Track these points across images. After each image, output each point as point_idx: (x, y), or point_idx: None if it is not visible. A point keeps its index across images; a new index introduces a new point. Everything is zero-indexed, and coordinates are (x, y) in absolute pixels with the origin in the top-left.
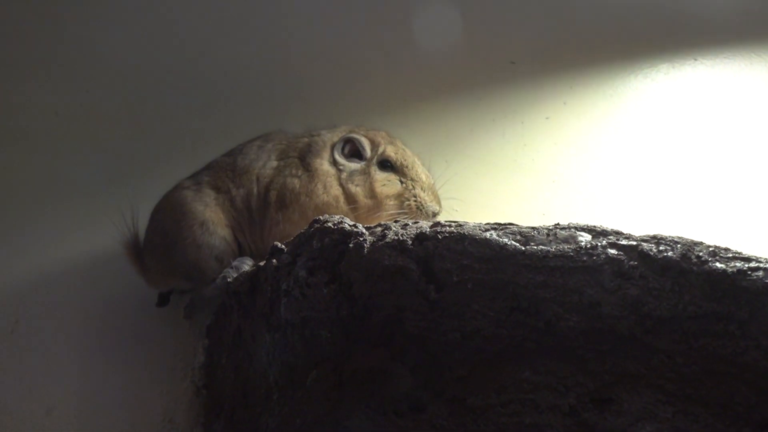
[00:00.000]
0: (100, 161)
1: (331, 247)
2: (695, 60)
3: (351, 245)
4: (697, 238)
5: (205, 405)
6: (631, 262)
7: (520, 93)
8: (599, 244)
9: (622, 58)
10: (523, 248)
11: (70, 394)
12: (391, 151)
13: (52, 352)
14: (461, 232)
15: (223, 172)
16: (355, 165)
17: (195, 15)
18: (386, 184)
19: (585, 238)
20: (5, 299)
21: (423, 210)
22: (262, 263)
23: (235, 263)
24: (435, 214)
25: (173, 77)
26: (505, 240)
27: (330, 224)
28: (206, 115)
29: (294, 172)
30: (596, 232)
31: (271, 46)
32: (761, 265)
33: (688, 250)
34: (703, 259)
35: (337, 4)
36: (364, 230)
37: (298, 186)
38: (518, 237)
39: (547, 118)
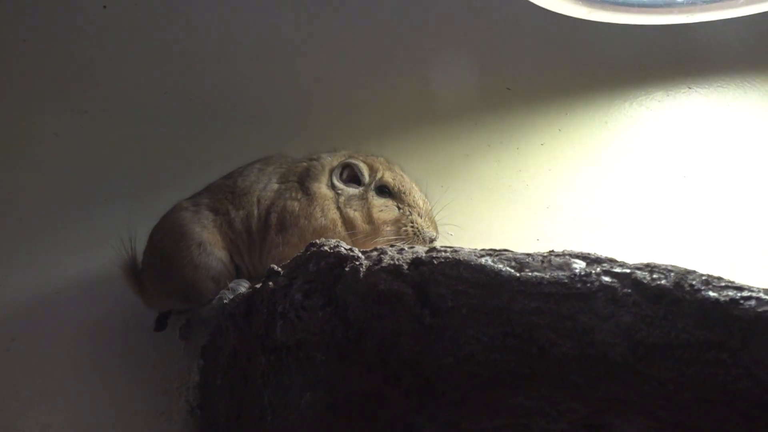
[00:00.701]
0: (98, 182)
1: (327, 271)
2: (689, 88)
3: (347, 269)
4: (690, 266)
5: (199, 425)
6: (625, 290)
7: (515, 119)
8: (593, 271)
9: (616, 85)
10: (518, 275)
11: (65, 412)
12: (389, 177)
13: (48, 371)
14: (456, 257)
15: (222, 194)
16: (353, 190)
17: (194, 38)
18: (384, 209)
19: (579, 265)
20: (2, 318)
21: (420, 236)
22: (258, 285)
23: (231, 285)
24: (432, 240)
25: (172, 99)
26: (500, 266)
27: (326, 248)
28: (205, 137)
29: (294, 195)
30: (590, 260)
31: (270, 69)
32: (753, 294)
33: (681, 279)
34: (696, 287)
35: (335, 31)
36: (360, 254)
37: (297, 209)
38: (513, 263)
39: (542, 144)
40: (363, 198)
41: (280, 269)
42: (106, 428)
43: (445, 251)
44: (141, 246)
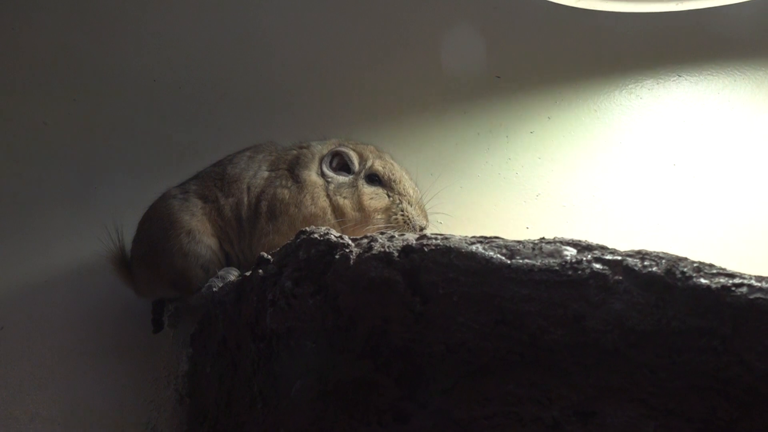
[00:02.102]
0: (88, 171)
1: (317, 258)
2: (679, 76)
3: (337, 256)
4: (681, 254)
5: (188, 413)
6: (616, 277)
7: (505, 107)
8: (584, 258)
9: (606, 73)
10: (509, 262)
11: (54, 401)
12: (379, 165)
13: (37, 360)
14: (447, 245)
15: (211, 182)
16: (343, 178)
17: (184, 26)
18: (374, 197)
19: (570, 252)
20: None
21: (410, 224)
22: (248, 273)
23: (221, 273)
24: (422, 229)
25: (161, 87)
26: (491, 253)
27: (316, 235)
28: (194, 126)
29: (284, 183)
30: (581, 247)
31: (259, 57)
32: (745, 281)
33: (673, 266)
34: (687, 274)
35: (325, 18)
36: (350, 242)
37: (287, 197)
38: (504, 250)
39: (531, 133)
40: (353, 186)
41: (269, 257)
42: (94, 417)
43: (436, 238)
44: (130, 234)
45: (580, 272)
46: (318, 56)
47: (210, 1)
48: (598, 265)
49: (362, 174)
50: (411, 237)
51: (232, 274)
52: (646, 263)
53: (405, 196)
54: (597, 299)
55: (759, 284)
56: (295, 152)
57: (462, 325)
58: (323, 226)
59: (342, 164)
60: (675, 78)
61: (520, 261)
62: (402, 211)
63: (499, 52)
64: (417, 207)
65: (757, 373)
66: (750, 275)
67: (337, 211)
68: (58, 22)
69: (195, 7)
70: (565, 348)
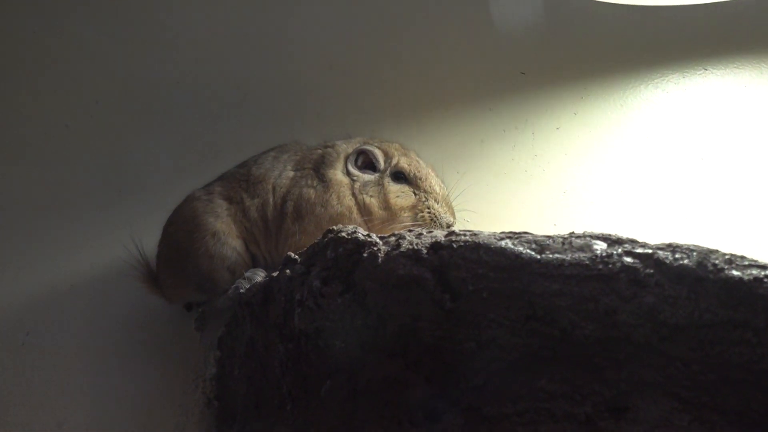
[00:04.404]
0: (111, 173)
1: (345, 257)
2: (705, 70)
3: (365, 255)
4: (711, 247)
5: (216, 416)
6: (647, 270)
7: (530, 103)
8: (615, 252)
9: (632, 67)
10: (539, 257)
11: (80, 407)
12: (404, 163)
13: (62, 365)
14: (476, 241)
15: (236, 182)
16: (368, 176)
17: (206, 27)
18: (400, 195)
19: (600, 246)
20: (16, 312)
21: (437, 222)
22: (275, 274)
23: (247, 274)
24: (449, 226)
25: (184, 89)
26: (521, 249)
27: (344, 234)
28: (218, 127)
29: (309, 182)
30: (611, 241)
31: (281, 57)
32: None
33: (704, 258)
34: (719, 266)
35: (348, 17)
36: (378, 240)
37: (313, 196)
38: (533, 246)
39: (557, 129)
40: (379, 184)
41: (297, 257)
42: (121, 423)
43: (465, 235)
44: (155, 236)
45: (610, 266)
46: (341, 54)
47: (232, 3)
48: (628, 259)
49: (388, 172)
50: (439, 234)
51: (259, 275)
52: (677, 256)
53: (431, 193)
54: (628, 293)
55: None
56: (320, 151)
57: (492, 321)
58: (350, 225)
59: (367, 162)
60: (701, 72)
61: (550, 256)
62: (429, 208)
63: (524, 49)
64: (444, 204)
65: None
66: None
67: (364, 209)
68: (79, 24)
69: (216, 7)
70: (596, 343)
